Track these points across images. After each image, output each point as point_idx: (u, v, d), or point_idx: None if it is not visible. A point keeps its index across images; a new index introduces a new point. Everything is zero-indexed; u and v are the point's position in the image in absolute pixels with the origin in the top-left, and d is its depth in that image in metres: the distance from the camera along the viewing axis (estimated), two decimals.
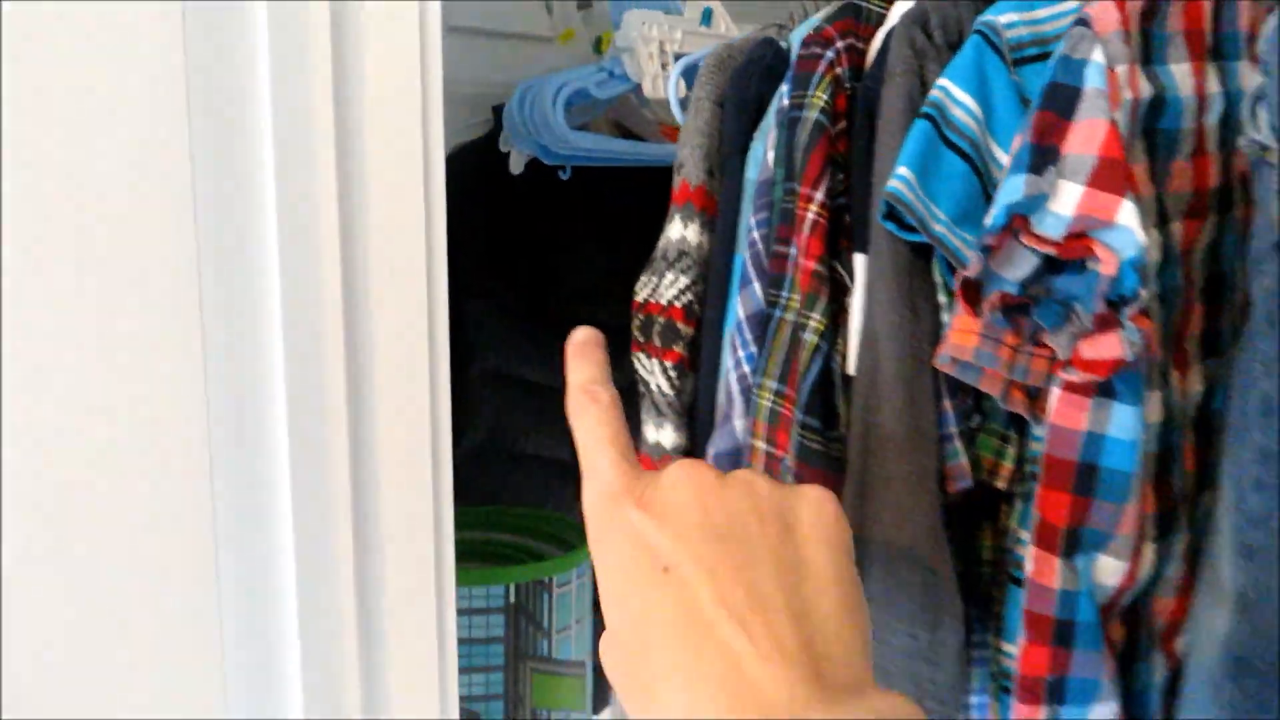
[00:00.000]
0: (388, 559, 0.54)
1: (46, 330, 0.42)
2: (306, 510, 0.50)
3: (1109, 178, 0.59)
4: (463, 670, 0.73)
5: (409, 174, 0.52)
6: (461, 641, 0.73)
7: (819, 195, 0.73)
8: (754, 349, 0.81)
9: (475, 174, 1.08)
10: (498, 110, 1.10)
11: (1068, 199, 0.60)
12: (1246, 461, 0.60)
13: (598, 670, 0.90)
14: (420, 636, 0.56)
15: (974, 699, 0.76)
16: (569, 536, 0.87)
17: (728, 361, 0.84)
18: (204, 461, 0.47)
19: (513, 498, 0.98)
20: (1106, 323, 0.57)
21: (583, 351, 0.39)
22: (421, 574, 0.56)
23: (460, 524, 0.77)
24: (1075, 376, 0.59)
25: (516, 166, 1.08)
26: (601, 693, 1.03)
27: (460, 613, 0.72)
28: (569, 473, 1.05)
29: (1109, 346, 0.57)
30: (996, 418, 0.73)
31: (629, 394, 0.92)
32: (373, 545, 0.53)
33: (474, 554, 0.84)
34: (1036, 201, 0.60)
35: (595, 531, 0.35)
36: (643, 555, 0.32)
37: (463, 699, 0.73)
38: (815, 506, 0.34)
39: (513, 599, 0.74)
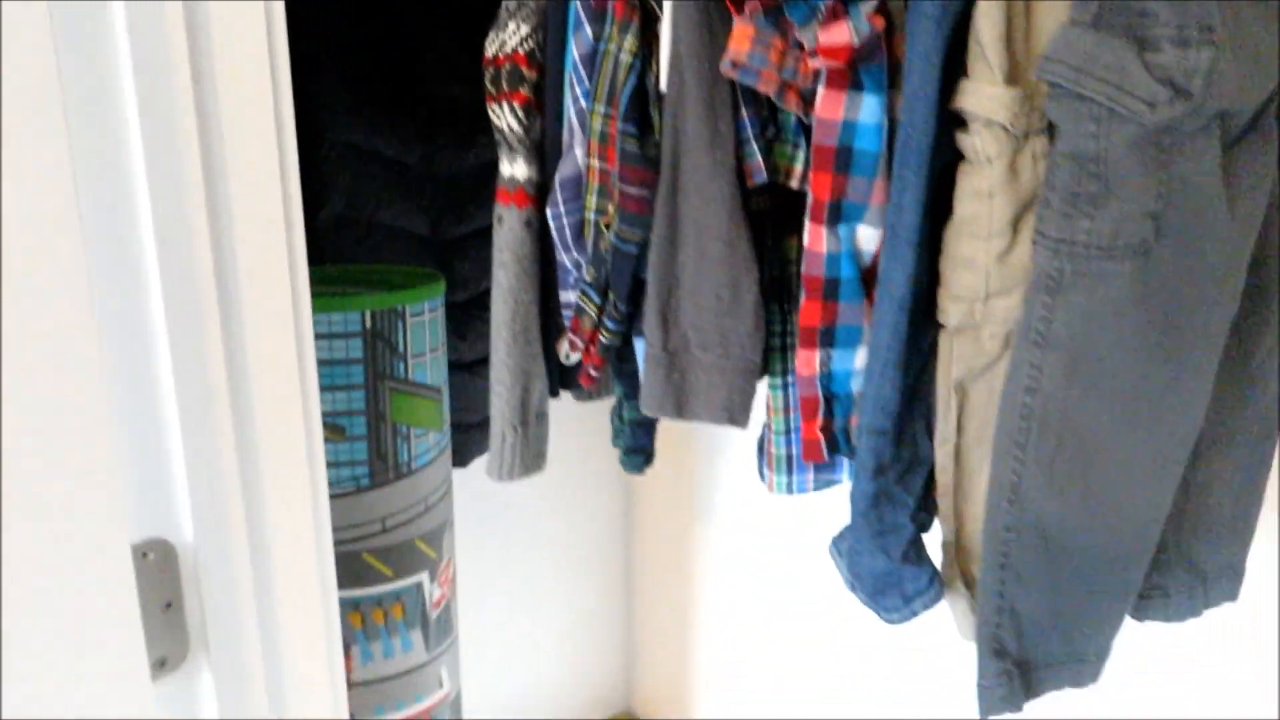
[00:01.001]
0: (245, 299, 0.62)
1: None
2: (172, 267, 0.59)
3: None
4: (326, 388, 0.85)
5: None
6: (323, 363, 0.85)
7: None
8: (588, 84, 0.93)
9: None
10: None
11: None
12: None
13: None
14: (280, 358, 0.66)
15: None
16: (422, 280, 0.97)
17: (568, 99, 0.96)
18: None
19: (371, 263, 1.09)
20: (837, 13, 0.71)
21: None
22: (280, 303, 0.65)
23: (320, 279, 0.88)
24: (819, 63, 0.73)
25: None
26: (474, 446, 1.17)
27: (320, 336, 0.85)
28: (424, 244, 1.17)
29: (840, 33, 0.71)
30: (789, 129, 0.88)
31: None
32: (232, 297, 0.62)
33: (334, 292, 0.95)
34: None
35: None
36: None
37: (327, 414, 0.85)
38: None
39: (369, 324, 0.86)
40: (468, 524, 1.48)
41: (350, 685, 0.89)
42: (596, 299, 0.89)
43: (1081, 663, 0.78)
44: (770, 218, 0.93)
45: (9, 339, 0.50)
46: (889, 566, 0.82)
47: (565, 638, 1.72)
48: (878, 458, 0.80)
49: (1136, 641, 1.04)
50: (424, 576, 0.90)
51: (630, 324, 0.89)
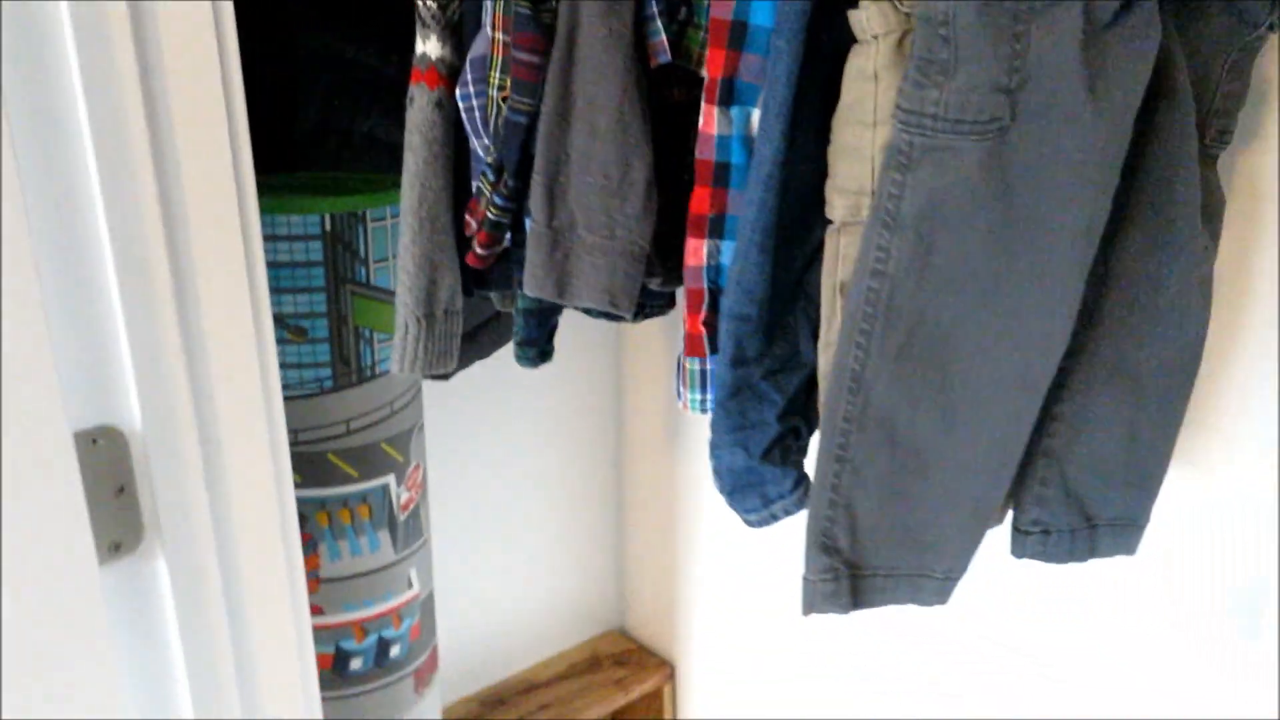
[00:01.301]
0: (187, 186, 0.63)
1: None
2: (109, 153, 0.59)
3: None
4: (287, 290, 0.86)
5: None
6: (284, 265, 0.85)
7: None
8: None
9: None
10: None
11: None
12: None
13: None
14: (226, 247, 0.66)
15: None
16: (386, 186, 0.96)
17: None
18: None
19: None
20: None
21: None
22: (223, 191, 0.65)
23: (290, 186, 0.88)
24: None
25: None
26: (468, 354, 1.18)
27: (280, 239, 0.85)
28: (400, 155, 1.15)
29: None
30: (702, 15, 0.84)
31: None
32: (173, 184, 0.62)
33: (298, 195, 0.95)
34: None
35: None
36: None
37: (289, 316, 0.87)
38: None
39: (328, 228, 0.86)
40: (458, 434, 1.50)
41: (319, 580, 0.91)
42: (491, 176, 0.87)
43: (924, 578, 0.77)
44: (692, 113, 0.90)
45: None
46: (748, 464, 0.81)
47: (559, 552, 1.74)
48: (738, 345, 0.78)
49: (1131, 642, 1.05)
50: (390, 479, 0.91)
51: (520, 202, 0.87)
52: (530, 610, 1.74)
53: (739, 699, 1.65)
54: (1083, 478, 0.78)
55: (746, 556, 1.54)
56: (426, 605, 1.00)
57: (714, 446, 0.82)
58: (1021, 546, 0.81)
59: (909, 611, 1.28)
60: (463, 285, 0.95)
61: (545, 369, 1.57)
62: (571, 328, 1.55)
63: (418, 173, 0.89)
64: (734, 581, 1.58)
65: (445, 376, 1.05)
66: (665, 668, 1.76)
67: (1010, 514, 0.82)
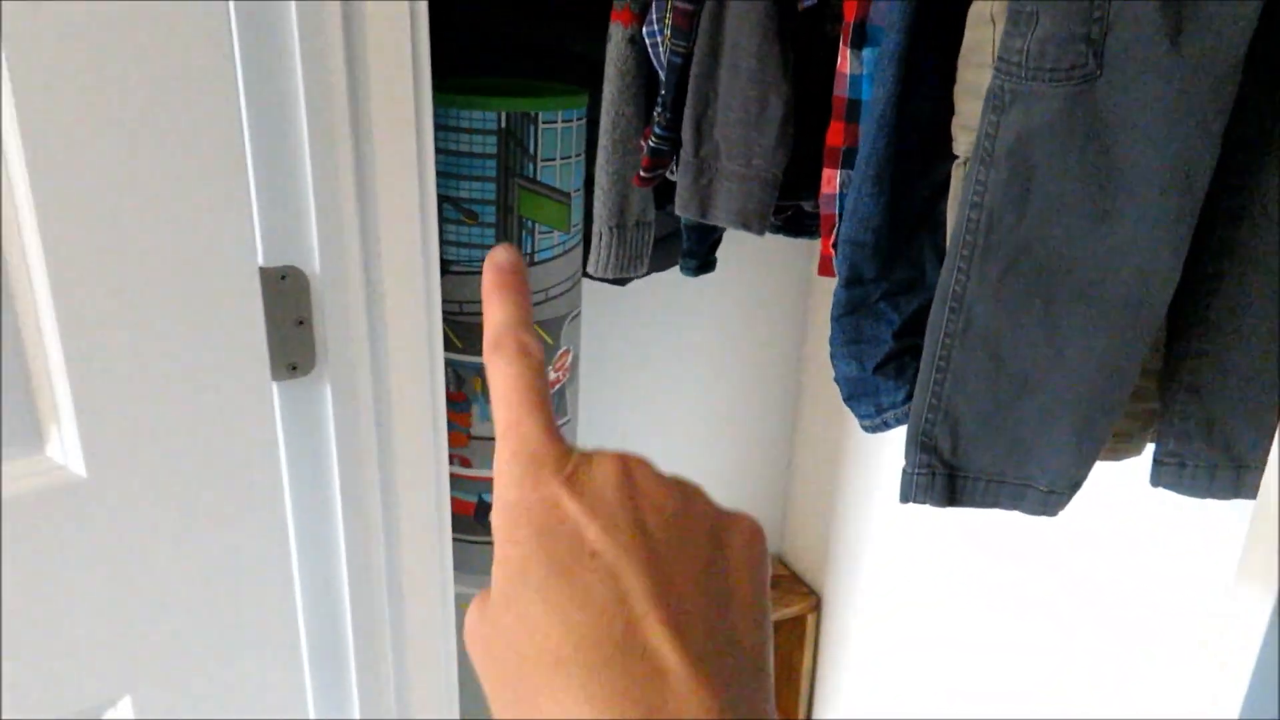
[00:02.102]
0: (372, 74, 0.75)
1: None
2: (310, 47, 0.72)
3: None
4: (463, 177, 0.97)
5: None
6: (461, 154, 0.96)
7: None
8: None
9: None
10: None
11: None
12: None
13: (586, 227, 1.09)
14: (398, 120, 0.77)
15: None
16: (565, 94, 1.04)
17: None
18: None
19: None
20: None
21: (504, 283, 0.33)
22: (402, 94, 0.76)
23: (476, 87, 0.98)
24: None
25: None
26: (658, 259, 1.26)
27: (461, 130, 0.96)
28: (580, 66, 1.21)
29: None
30: None
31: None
32: (361, 88, 0.74)
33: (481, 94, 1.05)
34: None
35: (508, 493, 0.29)
36: (564, 533, 0.28)
37: (463, 200, 0.98)
38: (747, 536, 0.31)
39: (503, 124, 0.96)
40: (640, 341, 1.60)
41: (469, 436, 1.04)
42: (659, 108, 0.97)
43: (1027, 488, 0.78)
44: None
45: (153, 84, 0.65)
46: (861, 374, 0.86)
47: (728, 471, 1.83)
48: (852, 268, 0.84)
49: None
50: None
51: (676, 133, 0.95)
52: None
53: (879, 636, 1.68)
54: (1228, 417, 0.78)
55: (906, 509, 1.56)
56: None
57: (832, 356, 0.89)
58: (1156, 476, 0.82)
59: (1048, 566, 1.28)
60: (655, 200, 1.07)
61: (732, 289, 1.64)
62: (764, 248, 1.60)
63: (613, 100, 1.01)
64: (892, 528, 1.61)
65: (627, 280, 1.15)
66: (813, 597, 1.81)
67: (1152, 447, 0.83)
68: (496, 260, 0.33)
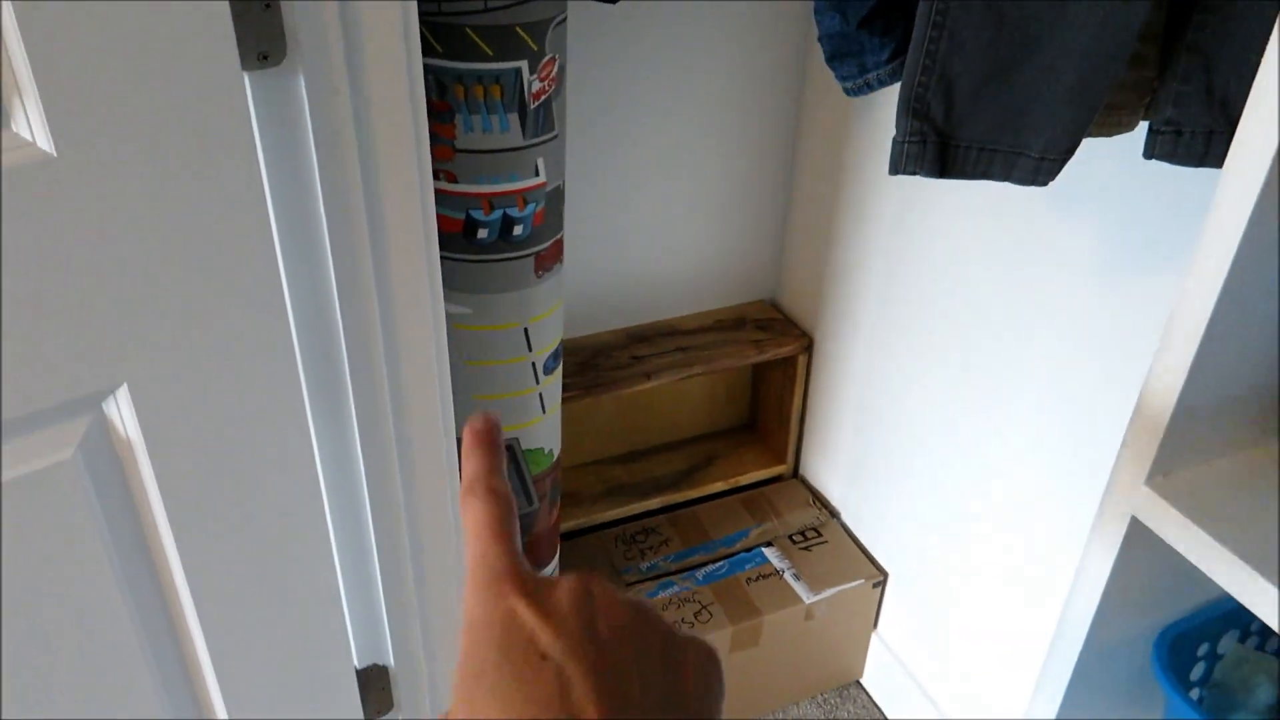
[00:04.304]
0: None
1: None
2: None
3: None
4: None
5: None
6: None
7: None
8: None
9: None
10: None
11: None
12: None
13: None
14: None
15: None
16: None
17: None
18: None
19: None
20: None
21: (479, 440, 0.37)
22: None
23: None
24: None
25: None
26: None
27: None
28: None
29: None
30: None
31: None
32: None
33: None
34: None
35: (473, 612, 0.33)
36: (518, 639, 0.31)
37: None
38: (702, 658, 0.34)
39: None
40: (642, 72, 1.55)
41: (454, 150, 1.02)
42: None
43: (1019, 155, 0.77)
44: None
45: None
46: (844, 29, 0.81)
47: (728, 216, 1.81)
48: None
49: None
50: (523, 65, 0.98)
51: None
52: (686, 268, 1.83)
53: (868, 373, 1.72)
54: (1228, 77, 0.75)
55: (898, 244, 1.55)
56: (553, 197, 1.10)
57: (816, 12, 0.84)
58: (1152, 146, 0.80)
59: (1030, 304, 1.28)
60: None
61: (731, 28, 1.56)
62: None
63: None
64: (884, 269, 1.61)
65: None
66: (805, 338, 1.84)
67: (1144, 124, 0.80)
68: (474, 426, 0.38)
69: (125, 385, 0.76)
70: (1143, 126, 0.81)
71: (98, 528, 0.80)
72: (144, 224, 0.72)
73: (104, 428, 0.78)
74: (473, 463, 0.37)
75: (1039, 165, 0.77)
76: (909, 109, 0.76)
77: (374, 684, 1.13)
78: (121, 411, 0.77)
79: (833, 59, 0.85)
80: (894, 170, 0.79)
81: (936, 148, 0.78)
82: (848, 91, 0.86)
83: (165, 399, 0.78)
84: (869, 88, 0.84)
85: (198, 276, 0.76)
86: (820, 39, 0.86)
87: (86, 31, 0.64)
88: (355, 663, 1.10)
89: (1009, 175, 0.78)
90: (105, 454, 0.79)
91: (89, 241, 0.69)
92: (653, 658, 0.32)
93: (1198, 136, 0.77)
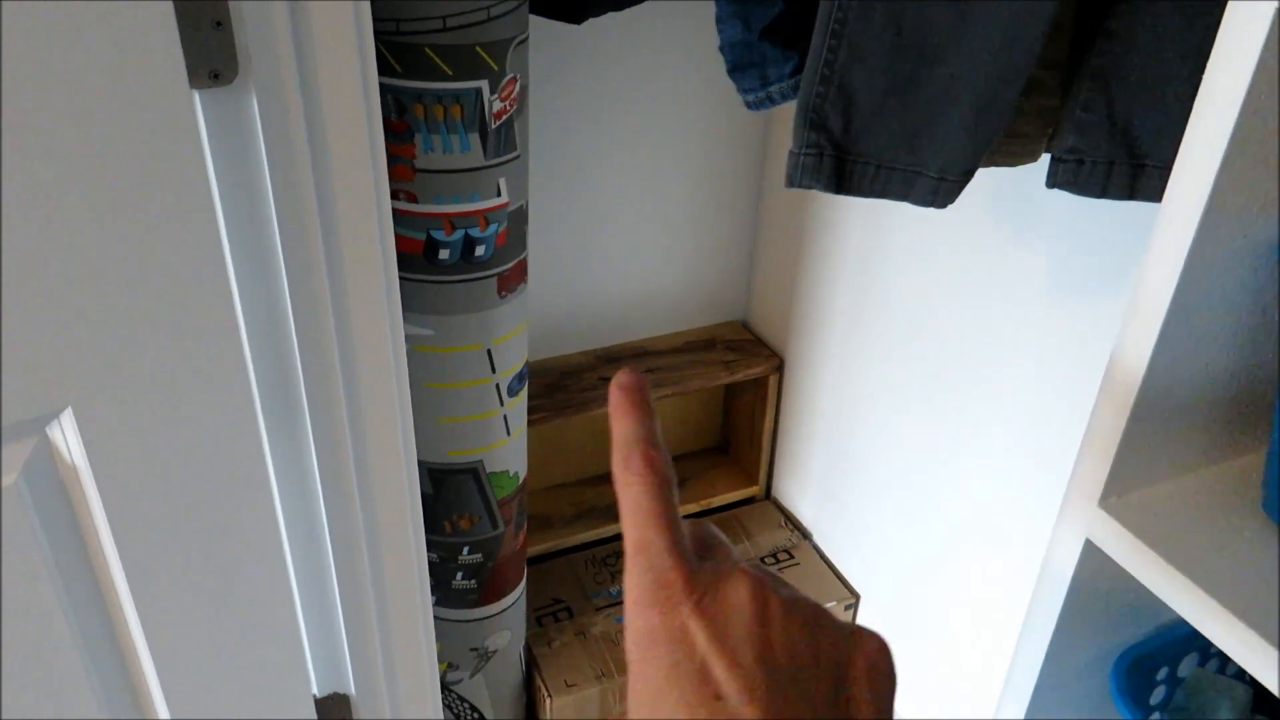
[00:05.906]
0: None
1: None
2: None
3: None
4: None
5: None
6: None
7: None
8: None
9: None
10: None
11: None
12: None
13: None
14: None
15: None
16: None
17: None
18: None
19: None
20: None
21: (629, 399, 0.34)
22: None
23: None
24: None
25: None
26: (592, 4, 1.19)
27: None
28: None
29: None
30: None
31: None
32: None
33: None
34: None
35: (639, 620, 0.31)
36: (692, 670, 0.30)
37: None
38: (872, 657, 0.34)
39: None
40: (607, 93, 1.54)
41: (414, 170, 1.01)
42: None
43: (918, 175, 0.76)
44: None
45: None
46: (746, 39, 0.80)
47: (698, 235, 1.81)
48: None
49: None
50: (484, 85, 0.98)
51: None
52: (655, 289, 1.83)
53: (838, 393, 1.72)
54: (1131, 106, 0.74)
55: (867, 266, 1.56)
56: (516, 217, 1.09)
57: (718, 19, 0.83)
58: (1054, 175, 0.79)
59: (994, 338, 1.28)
60: None
61: (697, 52, 1.56)
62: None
63: None
64: (853, 289, 1.61)
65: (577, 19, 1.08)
66: (775, 359, 1.84)
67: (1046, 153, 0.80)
68: (621, 383, 0.35)
69: (70, 409, 0.74)
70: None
71: (42, 556, 0.78)
72: (89, 243, 0.70)
73: (48, 452, 0.76)
74: (625, 426, 0.34)
75: (938, 185, 0.75)
76: (806, 120, 0.74)
77: (334, 712, 1.11)
78: (66, 436, 0.75)
79: (734, 70, 0.83)
80: (790, 183, 0.77)
81: (834, 161, 0.76)
82: (749, 105, 0.84)
83: (111, 423, 0.76)
84: (771, 101, 0.83)
85: (146, 297, 0.74)
86: (721, 49, 0.83)
87: (27, 49, 0.63)
88: (315, 691, 1.08)
89: (907, 195, 0.77)
90: (49, 480, 0.77)
91: (31, 261, 0.68)
92: (825, 678, 0.31)
93: (1099, 166, 0.76)
